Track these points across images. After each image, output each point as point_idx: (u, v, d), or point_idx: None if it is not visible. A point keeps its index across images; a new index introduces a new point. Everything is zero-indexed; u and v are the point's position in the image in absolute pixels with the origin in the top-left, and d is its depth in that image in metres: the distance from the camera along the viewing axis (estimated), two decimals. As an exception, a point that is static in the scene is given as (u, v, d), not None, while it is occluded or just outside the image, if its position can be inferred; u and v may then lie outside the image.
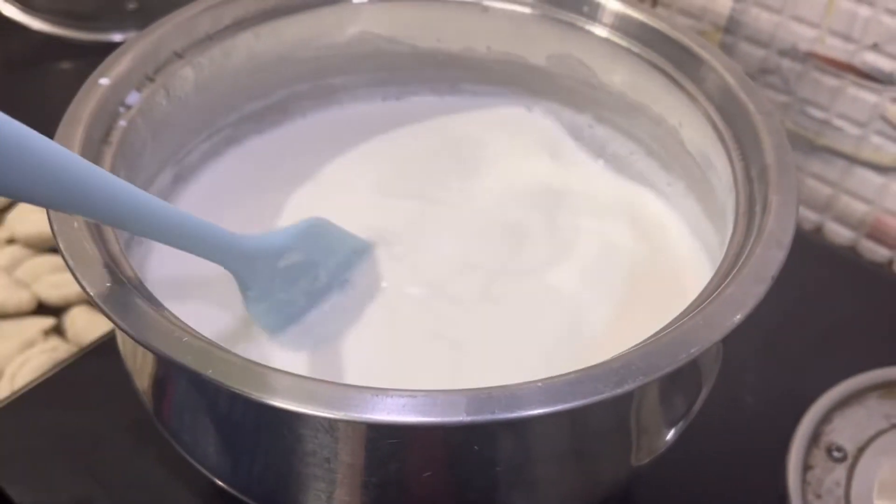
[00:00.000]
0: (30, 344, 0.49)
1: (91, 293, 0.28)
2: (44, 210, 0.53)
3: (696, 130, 0.40)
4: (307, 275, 0.37)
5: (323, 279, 0.38)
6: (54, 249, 0.53)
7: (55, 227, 0.30)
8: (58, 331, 0.50)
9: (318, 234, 0.37)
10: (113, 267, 0.29)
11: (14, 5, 0.67)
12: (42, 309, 0.51)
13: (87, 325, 0.50)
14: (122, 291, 0.28)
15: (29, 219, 0.54)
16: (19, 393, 0.45)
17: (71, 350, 0.48)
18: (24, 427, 0.43)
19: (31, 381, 0.45)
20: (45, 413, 0.44)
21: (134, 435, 0.43)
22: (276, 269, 0.35)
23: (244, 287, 0.35)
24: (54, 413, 0.44)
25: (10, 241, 0.54)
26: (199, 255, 0.32)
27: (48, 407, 0.44)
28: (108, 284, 0.28)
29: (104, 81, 0.36)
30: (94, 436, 0.43)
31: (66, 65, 0.67)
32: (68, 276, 0.51)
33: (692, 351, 0.27)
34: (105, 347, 0.46)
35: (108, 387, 0.44)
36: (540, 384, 0.26)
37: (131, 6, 0.69)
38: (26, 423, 0.44)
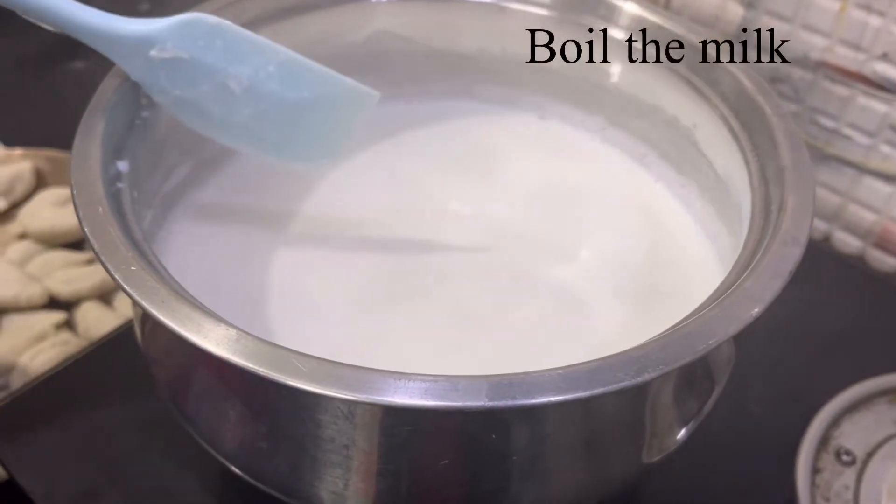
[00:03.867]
0: (41, 338, 0.49)
1: (117, 276, 0.28)
2: (56, 206, 0.55)
3: (710, 132, 0.40)
4: (208, 79, 0.36)
5: (235, 88, 0.36)
6: (66, 245, 0.54)
7: (81, 213, 0.30)
8: (69, 325, 0.51)
9: (208, 34, 0.35)
10: (136, 252, 0.30)
11: (28, 5, 0.67)
12: (53, 303, 0.51)
13: (97, 320, 0.50)
14: (147, 276, 0.28)
15: (41, 214, 0.54)
16: (30, 386, 0.45)
17: (81, 344, 0.49)
18: (34, 419, 0.43)
19: (42, 375, 0.45)
20: (56, 406, 0.44)
21: (144, 428, 0.43)
22: (151, 59, 0.35)
23: (130, 73, 0.35)
24: (64, 406, 0.44)
25: (23, 236, 0.54)
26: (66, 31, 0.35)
27: (59, 400, 0.44)
28: (133, 269, 0.29)
29: (127, 74, 0.36)
30: (104, 429, 0.43)
31: (78, 64, 0.68)
32: (80, 270, 0.52)
33: (710, 342, 0.27)
34: (115, 342, 0.47)
35: (119, 381, 0.44)
36: (560, 371, 0.26)
37: (144, 7, 0.69)
38: (37, 415, 0.44)
